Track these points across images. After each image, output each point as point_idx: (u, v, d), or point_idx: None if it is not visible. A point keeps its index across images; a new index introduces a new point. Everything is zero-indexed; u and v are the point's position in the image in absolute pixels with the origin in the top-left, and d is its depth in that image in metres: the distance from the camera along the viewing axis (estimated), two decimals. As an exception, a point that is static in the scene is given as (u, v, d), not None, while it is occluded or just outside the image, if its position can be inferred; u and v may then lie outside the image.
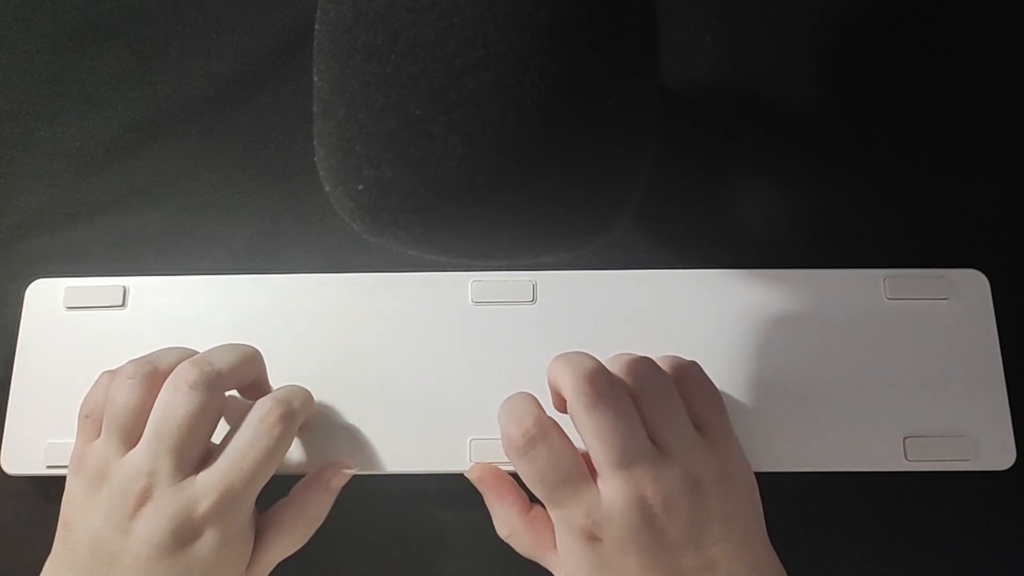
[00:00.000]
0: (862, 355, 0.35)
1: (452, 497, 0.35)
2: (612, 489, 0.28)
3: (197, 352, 0.32)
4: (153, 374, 0.30)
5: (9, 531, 0.36)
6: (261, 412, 0.31)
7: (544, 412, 0.30)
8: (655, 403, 0.29)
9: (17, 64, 0.41)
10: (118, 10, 0.41)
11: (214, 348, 0.32)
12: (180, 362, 0.31)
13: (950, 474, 0.35)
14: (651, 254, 0.38)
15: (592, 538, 0.29)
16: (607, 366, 0.30)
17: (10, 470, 0.35)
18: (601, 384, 0.28)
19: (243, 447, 0.30)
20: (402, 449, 0.34)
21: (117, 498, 0.29)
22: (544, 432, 0.29)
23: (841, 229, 0.38)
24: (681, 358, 0.33)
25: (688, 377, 0.32)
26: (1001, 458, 0.34)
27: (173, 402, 0.29)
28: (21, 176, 0.39)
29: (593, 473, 0.29)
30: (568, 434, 0.30)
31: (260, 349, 0.33)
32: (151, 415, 0.30)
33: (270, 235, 0.38)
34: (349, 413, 0.35)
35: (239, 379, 0.32)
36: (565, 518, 0.29)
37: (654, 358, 0.33)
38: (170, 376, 0.30)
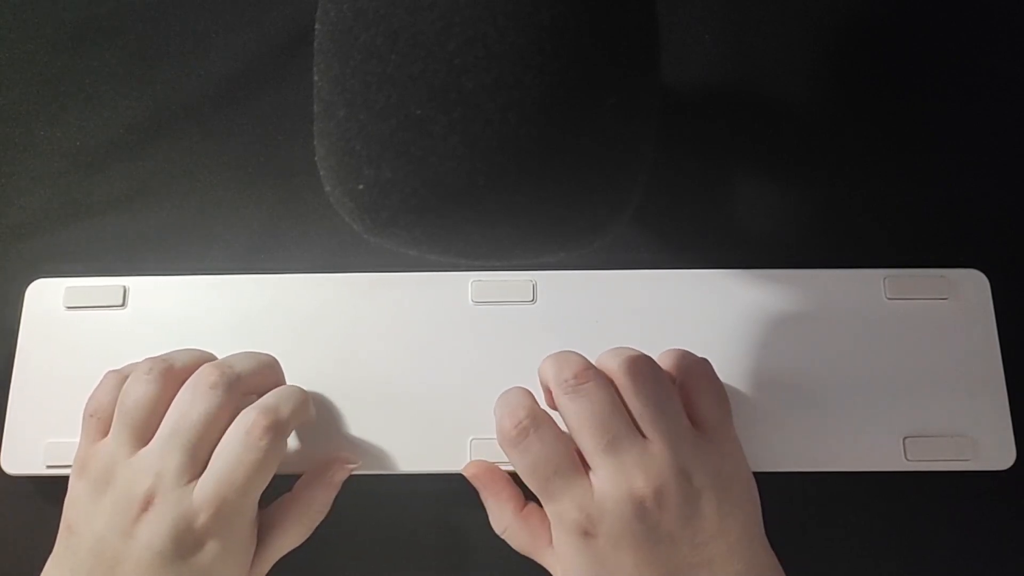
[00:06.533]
0: (862, 355, 0.35)
1: (452, 497, 0.35)
2: (602, 479, 0.29)
3: (210, 353, 0.33)
4: (169, 371, 0.30)
5: (9, 531, 0.36)
6: (247, 424, 0.30)
7: (537, 404, 0.31)
8: (639, 393, 0.30)
9: (17, 64, 0.41)
10: (118, 10, 0.41)
11: (234, 354, 0.33)
12: (195, 362, 0.31)
13: (950, 474, 0.35)
14: (651, 254, 0.38)
15: (586, 533, 0.29)
16: (601, 359, 0.31)
17: (10, 470, 0.35)
18: (582, 374, 0.29)
19: (232, 461, 0.29)
20: (402, 449, 0.34)
21: (121, 502, 0.29)
22: (536, 423, 0.30)
23: (841, 229, 0.38)
24: (692, 354, 0.34)
25: (693, 372, 0.32)
26: (1001, 458, 0.34)
27: (192, 400, 0.30)
28: (21, 176, 0.39)
29: (586, 468, 0.29)
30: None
31: (261, 349, 0.33)
32: (168, 413, 0.30)
33: (270, 235, 0.38)
34: (349, 413, 0.35)
35: (257, 384, 0.32)
36: (559, 513, 0.29)
37: (669, 350, 0.33)
38: (191, 377, 0.30)
